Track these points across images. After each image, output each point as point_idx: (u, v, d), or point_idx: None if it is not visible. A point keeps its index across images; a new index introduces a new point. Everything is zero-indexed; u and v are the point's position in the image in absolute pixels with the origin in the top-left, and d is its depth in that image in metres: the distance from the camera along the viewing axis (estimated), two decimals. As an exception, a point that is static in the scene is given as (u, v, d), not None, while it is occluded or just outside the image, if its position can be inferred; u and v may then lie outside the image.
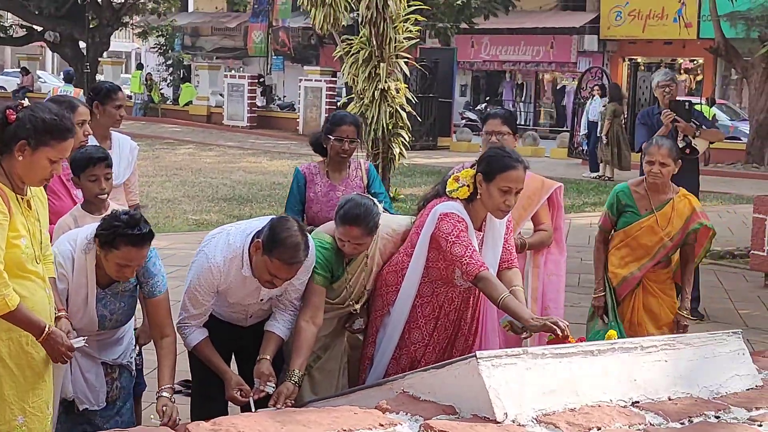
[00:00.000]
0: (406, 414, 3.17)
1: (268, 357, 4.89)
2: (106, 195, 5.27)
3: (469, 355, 3.21)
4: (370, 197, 5.33)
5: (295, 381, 4.80)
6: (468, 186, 5.01)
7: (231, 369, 5.02)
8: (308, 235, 4.79)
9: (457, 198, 5.02)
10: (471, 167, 5.10)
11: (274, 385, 4.79)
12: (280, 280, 4.72)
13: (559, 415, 3.18)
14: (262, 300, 5.00)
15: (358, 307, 5.25)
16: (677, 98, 9.44)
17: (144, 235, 4.42)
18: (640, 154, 8.23)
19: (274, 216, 4.86)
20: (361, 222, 4.96)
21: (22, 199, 4.11)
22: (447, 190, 5.06)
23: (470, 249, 4.89)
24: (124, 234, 4.37)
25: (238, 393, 4.79)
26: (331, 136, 6.05)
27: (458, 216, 4.96)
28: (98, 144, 6.17)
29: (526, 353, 3.29)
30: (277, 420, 2.94)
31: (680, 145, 9.18)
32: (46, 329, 4.06)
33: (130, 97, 38.55)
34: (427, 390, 3.35)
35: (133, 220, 4.40)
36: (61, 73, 29.21)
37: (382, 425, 3.03)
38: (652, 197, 6.54)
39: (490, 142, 5.84)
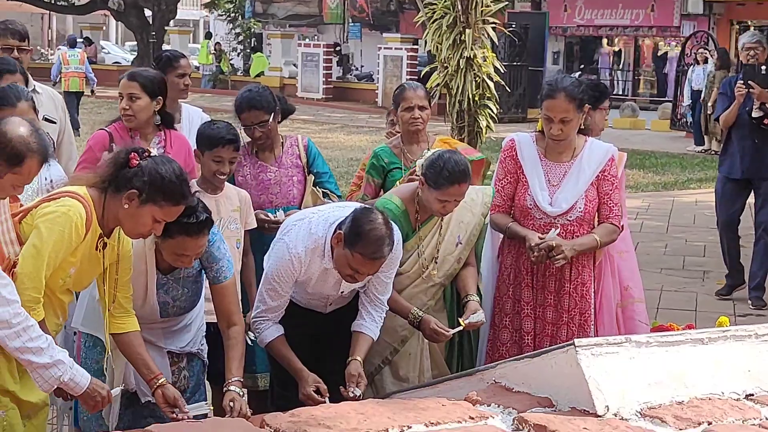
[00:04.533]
0: (498, 406, 3.15)
1: (359, 358, 4.90)
2: (225, 177, 5.41)
3: (567, 343, 3.17)
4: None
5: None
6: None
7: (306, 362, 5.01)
8: (395, 227, 4.76)
9: (540, 131, 5.65)
10: None
11: (362, 388, 4.80)
12: (362, 276, 4.72)
13: (666, 408, 3.13)
14: (342, 293, 5.02)
15: (436, 272, 5.26)
16: (755, 63, 9.16)
17: (200, 223, 4.42)
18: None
19: (358, 206, 4.85)
20: (468, 176, 5.09)
21: (101, 238, 4.19)
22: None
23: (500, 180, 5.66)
24: (179, 222, 4.36)
25: (315, 392, 4.77)
26: (241, 125, 5.91)
27: (509, 142, 5.66)
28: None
29: (629, 341, 3.24)
30: (360, 411, 2.94)
31: (755, 115, 8.97)
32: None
33: (197, 68, 38.95)
34: (521, 380, 3.32)
35: (189, 207, 4.38)
36: (127, 44, 29.86)
37: (472, 418, 3.01)
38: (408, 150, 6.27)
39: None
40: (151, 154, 4.23)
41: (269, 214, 5.75)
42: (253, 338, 5.23)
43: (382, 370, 5.32)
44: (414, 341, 5.35)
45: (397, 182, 5.96)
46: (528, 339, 5.64)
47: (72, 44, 24.84)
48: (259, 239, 5.71)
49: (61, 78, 23.21)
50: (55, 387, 4.00)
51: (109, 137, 5.80)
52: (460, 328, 5.17)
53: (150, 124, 5.84)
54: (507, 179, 5.64)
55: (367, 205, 4.88)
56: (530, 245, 5.42)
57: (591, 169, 5.61)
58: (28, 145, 3.88)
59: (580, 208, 5.57)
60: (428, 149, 5.86)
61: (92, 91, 24.86)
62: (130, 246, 4.49)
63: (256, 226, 5.67)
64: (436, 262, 5.32)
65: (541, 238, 5.43)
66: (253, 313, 4.96)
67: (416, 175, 5.32)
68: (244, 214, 5.58)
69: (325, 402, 4.59)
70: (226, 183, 5.51)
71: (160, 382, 4.39)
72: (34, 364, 3.89)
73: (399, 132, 6.48)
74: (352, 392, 4.75)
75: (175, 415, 4.31)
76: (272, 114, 5.81)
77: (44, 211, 4.08)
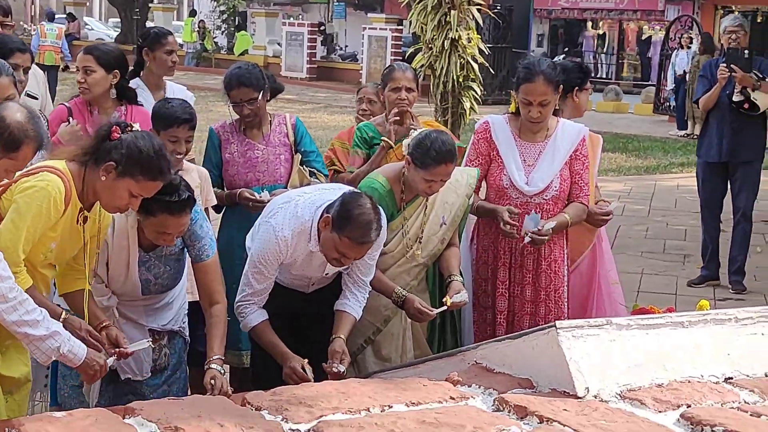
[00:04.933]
0: (479, 387, 3.15)
1: (342, 336, 4.91)
2: (182, 157, 5.37)
3: (548, 324, 3.18)
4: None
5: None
6: (515, 100, 5.63)
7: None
8: (381, 212, 4.76)
9: (512, 112, 5.72)
10: None
11: (345, 365, 4.81)
12: (349, 260, 4.72)
13: (646, 390, 3.14)
14: (326, 274, 5.02)
15: (420, 252, 5.28)
16: (737, 47, 9.16)
17: (182, 202, 4.40)
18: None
19: (345, 190, 4.84)
20: (454, 156, 5.11)
21: (81, 212, 4.19)
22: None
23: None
24: (161, 200, 4.34)
25: (299, 367, 4.75)
26: (229, 103, 5.90)
27: (483, 125, 5.73)
28: (151, 93, 6.22)
29: (610, 323, 3.25)
30: (341, 390, 2.95)
31: (736, 99, 8.99)
32: (62, 315, 4.15)
33: (181, 46, 38.78)
34: (502, 362, 3.33)
35: (171, 186, 4.36)
36: (110, 20, 29.95)
37: (453, 398, 3.01)
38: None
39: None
40: (134, 129, 4.22)
41: (255, 193, 5.73)
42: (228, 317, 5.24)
43: (364, 350, 5.33)
44: (397, 321, 5.36)
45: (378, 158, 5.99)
46: (501, 318, 5.68)
47: (50, 18, 24.84)
48: (245, 218, 5.69)
49: (38, 51, 23.11)
50: (53, 359, 4.01)
51: (67, 111, 5.85)
52: (444, 308, 5.18)
53: (107, 97, 5.88)
54: (479, 160, 5.67)
55: (355, 190, 4.87)
56: (502, 218, 5.46)
57: (565, 148, 5.67)
58: (25, 131, 3.88)
59: (555, 187, 5.63)
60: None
61: (66, 67, 24.69)
62: (110, 220, 4.50)
63: (216, 203, 5.66)
64: (421, 242, 5.33)
65: (511, 213, 5.47)
66: (237, 297, 4.94)
67: (403, 154, 5.32)
68: (205, 191, 5.55)
69: (309, 380, 4.62)
70: (184, 161, 5.47)
71: (104, 324, 4.40)
72: (30, 336, 3.90)
73: (367, 110, 6.55)
74: (336, 368, 4.75)
75: (119, 351, 4.32)
76: (261, 92, 5.80)
77: (23, 186, 4.07)
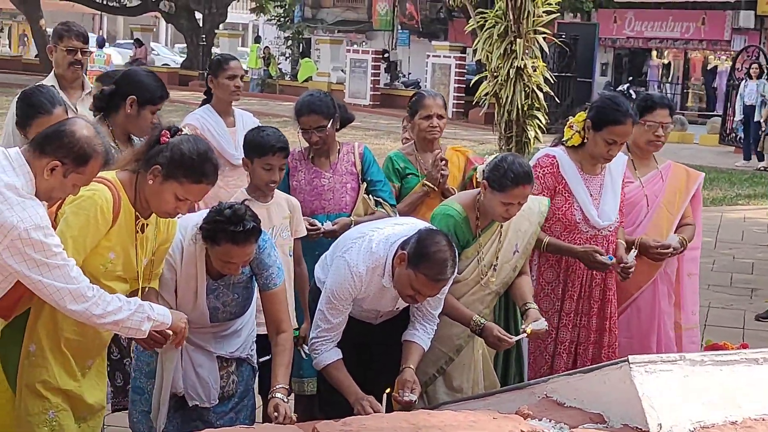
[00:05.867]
0: (550, 421, 3.14)
1: (412, 366, 4.89)
2: (276, 185, 5.40)
3: (621, 359, 3.15)
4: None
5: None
6: (579, 132, 5.60)
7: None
8: (456, 250, 4.74)
9: (571, 145, 5.65)
10: (583, 110, 5.64)
11: (416, 395, 4.79)
12: (423, 297, 4.72)
13: (719, 428, 3.11)
14: (397, 309, 5.04)
15: (494, 279, 5.29)
16: None
17: (247, 232, 4.40)
18: None
19: (422, 227, 4.84)
20: (531, 177, 5.12)
21: (138, 219, 4.24)
22: (565, 138, 5.67)
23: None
24: (225, 230, 4.37)
25: (368, 406, 4.68)
26: (299, 129, 5.89)
27: (549, 158, 5.65)
28: (222, 120, 6.28)
29: (684, 359, 3.22)
30: (411, 422, 2.94)
31: None
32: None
33: (246, 72, 39.16)
34: (573, 395, 3.30)
35: (236, 215, 4.38)
36: (176, 46, 30.46)
37: (523, 432, 3.00)
38: (422, 157, 6.24)
39: (655, 135, 5.84)
40: (183, 132, 4.26)
41: (316, 222, 5.73)
42: (307, 351, 5.24)
43: (435, 380, 5.31)
44: (468, 351, 5.34)
45: (414, 189, 6.03)
46: (561, 348, 5.70)
47: (100, 45, 25.18)
48: (305, 246, 5.70)
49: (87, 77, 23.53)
50: (150, 327, 4.11)
51: None
52: (525, 335, 5.15)
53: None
54: (543, 194, 5.63)
55: (431, 227, 4.87)
56: (595, 260, 5.53)
57: (618, 179, 5.75)
58: (94, 146, 3.93)
59: (617, 218, 5.71)
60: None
61: None
62: (176, 229, 4.54)
63: (306, 233, 5.66)
64: (495, 270, 5.32)
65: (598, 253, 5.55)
66: (312, 333, 4.93)
67: (476, 180, 5.33)
68: (294, 221, 5.56)
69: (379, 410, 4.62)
70: (276, 190, 5.50)
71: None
72: (119, 321, 4.01)
73: (411, 138, 6.50)
74: (408, 397, 4.74)
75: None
76: (331, 120, 5.81)
77: (72, 197, 4.12)
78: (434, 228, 4.85)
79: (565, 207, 5.65)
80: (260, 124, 6.19)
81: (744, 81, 23.28)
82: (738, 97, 23.42)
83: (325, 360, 4.87)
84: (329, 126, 5.80)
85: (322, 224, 5.72)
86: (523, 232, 5.40)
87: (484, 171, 5.20)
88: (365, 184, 5.93)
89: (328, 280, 4.92)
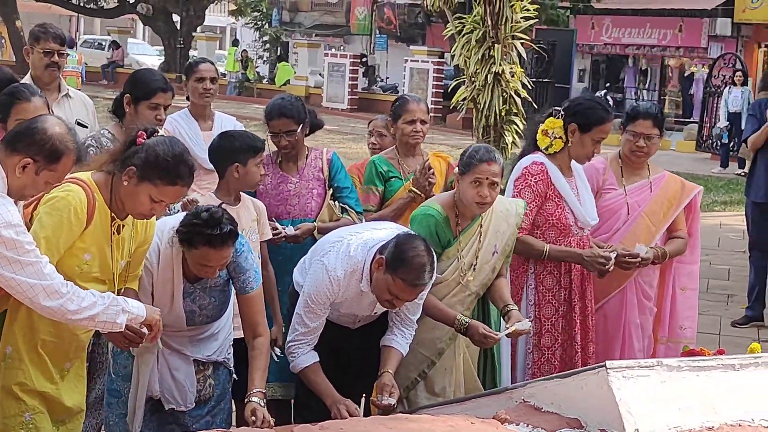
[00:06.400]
0: (527, 426, 3.15)
1: (390, 371, 4.91)
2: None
3: (599, 364, 3.16)
4: None
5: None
6: (561, 138, 5.71)
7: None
8: (434, 255, 4.75)
9: (552, 152, 5.74)
10: (556, 118, 5.73)
11: (394, 399, 4.80)
12: (401, 302, 4.73)
13: (696, 433, 3.12)
14: (375, 313, 5.04)
15: (473, 279, 5.30)
16: None
17: (224, 235, 4.40)
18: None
19: (400, 232, 4.85)
20: (496, 157, 5.21)
21: (114, 220, 4.22)
22: (542, 146, 5.74)
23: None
24: (202, 233, 4.38)
25: (345, 410, 4.67)
26: (268, 133, 5.88)
27: (538, 166, 5.70)
28: (197, 122, 6.27)
29: (661, 365, 3.23)
30: (389, 426, 2.94)
31: None
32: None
33: (224, 75, 39.11)
34: (550, 400, 3.31)
35: (213, 219, 4.39)
36: (154, 48, 30.55)
37: (501, 437, 3.00)
38: (404, 162, 6.31)
39: (636, 146, 5.87)
40: (159, 134, 4.25)
41: (278, 226, 5.71)
42: (279, 354, 5.24)
43: (417, 384, 5.31)
44: (449, 354, 5.35)
45: (397, 193, 6.05)
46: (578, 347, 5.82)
47: (70, 45, 25.26)
48: (272, 249, 5.69)
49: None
50: (126, 320, 4.08)
51: None
52: (509, 331, 5.15)
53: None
54: (536, 202, 5.67)
55: (410, 232, 4.87)
56: (601, 261, 5.65)
57: (585, 177, 5.91)
58: (65, 143, 3.92)
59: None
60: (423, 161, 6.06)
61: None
62: (153, 231, 4.53)
63: (271, 236, 5.62)
64: (474, 270, 5.33)
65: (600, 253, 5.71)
66: (289, 336, 4.93)
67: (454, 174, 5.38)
68: (261, 224, 5.54)
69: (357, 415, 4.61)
70: (242, 193, 5.46)
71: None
72: (94, 315, 3.99)
73: (377, 144, 6.59)
74: (387, 401, 4.75)
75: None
76: (301, 125, 5.81)
77: (46, 197, 4.12)
78: (413, 233, 4.86)
79: (558, 211, 5.70)
80: (242, 128, 6.17)
81: (728, 88, 23.25)
82: (722, 103, 23.34)
83: (302, 363, 4.87)
84: (299, 130, 5.79)
85: (284, 228, 5.71)
86: (502, 233, 5.42)
87: (458, 167, 5.27)
88: (332, 191, 5.92)
89: (305, 283, 4.92)
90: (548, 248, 5.67)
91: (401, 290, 4.61)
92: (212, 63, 6.75)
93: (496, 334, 5.16)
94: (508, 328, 5.16)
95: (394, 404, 4.74)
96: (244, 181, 5.36)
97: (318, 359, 4.88)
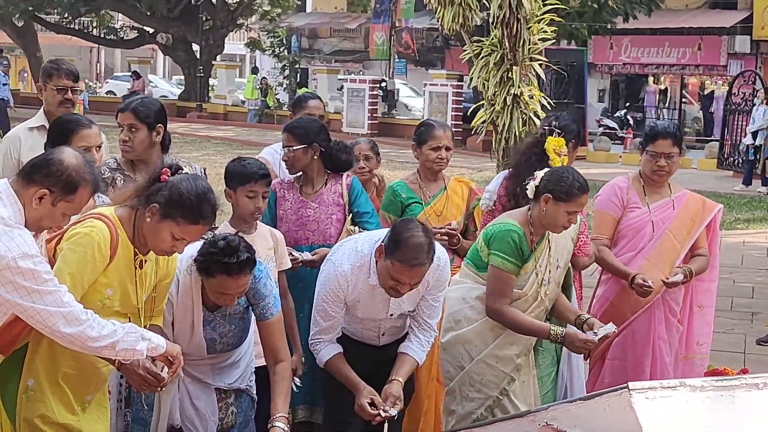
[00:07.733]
0: (551, 448, 3.12)
1: (400, 379, 4.93)
2: (260, 214, 5.35)
3: (621, 386, 3.14)
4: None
5: None
6: (566, 155, 5.74)
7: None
8: (433, 238, 4.75)
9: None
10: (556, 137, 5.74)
11: (396, 410, 4.80)
12: (404, 286, 4.72)
13: (720, 454, 3.10)
14: (392, 315, 5.03)
15: (548, 292, 5.32)
16: None
17: (241, 263, 4.41)
18: None
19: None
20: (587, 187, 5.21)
21: (136, 255, 4.23)
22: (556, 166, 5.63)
23: None
24: (219, 262, 4.39)
25: (369, 403, 4.78)
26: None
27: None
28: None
29: (684, 385, 3.21)
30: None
31: None
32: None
33: (243, 103, 39.26)
34: (573, 423, 3.30)
35: (230, 247, 4.40)
36: (174, 77, 30.57)
37: (524, 460, 2.99)
38: (426, 187, 6.38)
39: (657, 165, 5.87)
40: (184, 171, 4.25)
41: (293, 252, 5.69)
42: (299, 384, 5.25)
43: (499, 402, 5.27)
44: (527, 370, 5.37)
45: (419, 215, 6.04)
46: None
47: (75, 79, 25.71)
48: (293, 275, 5.69)
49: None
50: (147, 348, 4.07)
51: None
52: (601, 335, 5.15)
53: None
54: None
55: (407, 218, 4.93)
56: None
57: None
58: (82, 174, 3.93)
59: None
60: (445, 187, 6.22)
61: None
62: (176, 265, 4.53)
63: (290, 266, 5.58)
64: (548, 284, 5.33)
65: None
66: (310, 337, 5.01)
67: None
68: (278, 254, 5.52)
69: (379, 414, 4.72)
70: (259, 223, 5.46)
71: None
72: (115, 343, 3.97)
73: (365, 167, 6.73)
74: (386, 413, 4.77)
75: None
76: (304, 145, 5.79)
77: (69, 233, 4.13)
78: (410, 218, 4.97)
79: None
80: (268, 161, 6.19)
81: (756, 106, 23.01)
82: (751, 121, 23.08)
83: (326, 356, 4.96)
84: (300, 150, 5.78)
85: (301, 254, 5.70)
86: (562, 248, 5.44)
87: (537, 186, 5.20)
88: (351, 216, 5.92)
89: (317, 283, 5.00)
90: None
91: (399, 272, 4.63)
92: (320, 99, 6.85)
93: (593, 338, 5.14)
94: (596, 333, 5.14)
95: (395, 416, 4.76)
96: (236, 209, 5.34)
97: (341, 350, 4.96)
